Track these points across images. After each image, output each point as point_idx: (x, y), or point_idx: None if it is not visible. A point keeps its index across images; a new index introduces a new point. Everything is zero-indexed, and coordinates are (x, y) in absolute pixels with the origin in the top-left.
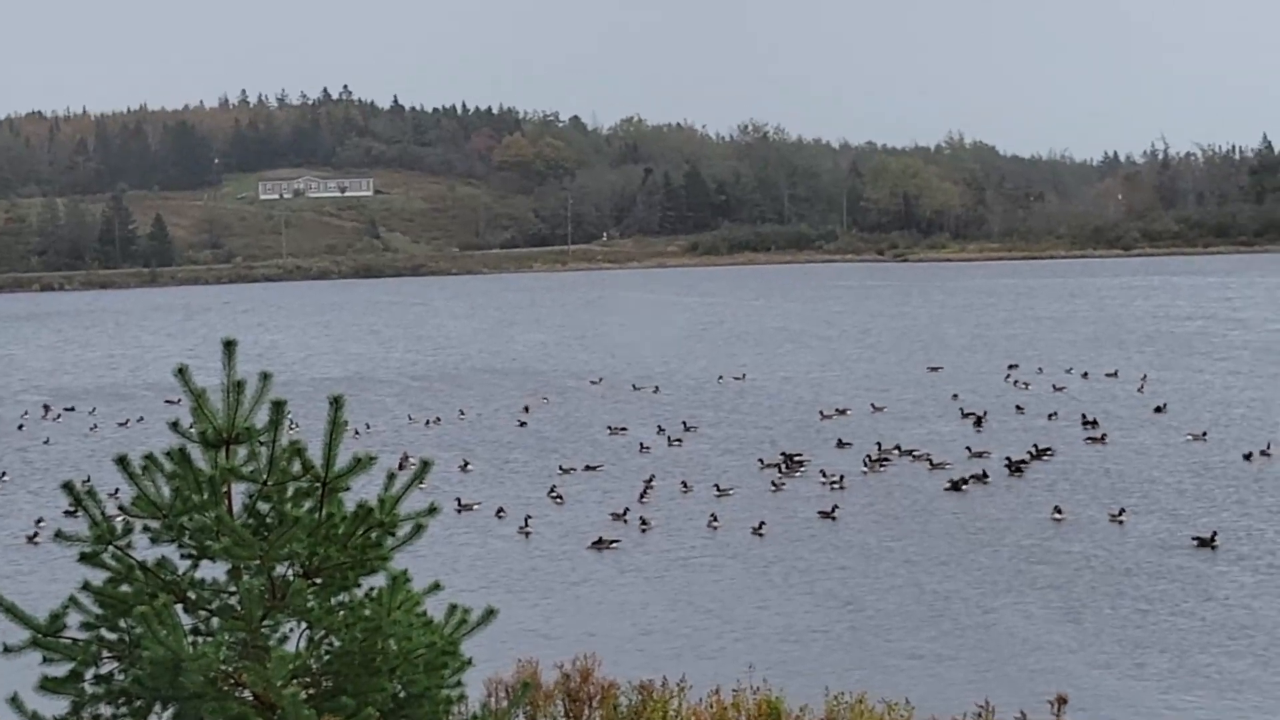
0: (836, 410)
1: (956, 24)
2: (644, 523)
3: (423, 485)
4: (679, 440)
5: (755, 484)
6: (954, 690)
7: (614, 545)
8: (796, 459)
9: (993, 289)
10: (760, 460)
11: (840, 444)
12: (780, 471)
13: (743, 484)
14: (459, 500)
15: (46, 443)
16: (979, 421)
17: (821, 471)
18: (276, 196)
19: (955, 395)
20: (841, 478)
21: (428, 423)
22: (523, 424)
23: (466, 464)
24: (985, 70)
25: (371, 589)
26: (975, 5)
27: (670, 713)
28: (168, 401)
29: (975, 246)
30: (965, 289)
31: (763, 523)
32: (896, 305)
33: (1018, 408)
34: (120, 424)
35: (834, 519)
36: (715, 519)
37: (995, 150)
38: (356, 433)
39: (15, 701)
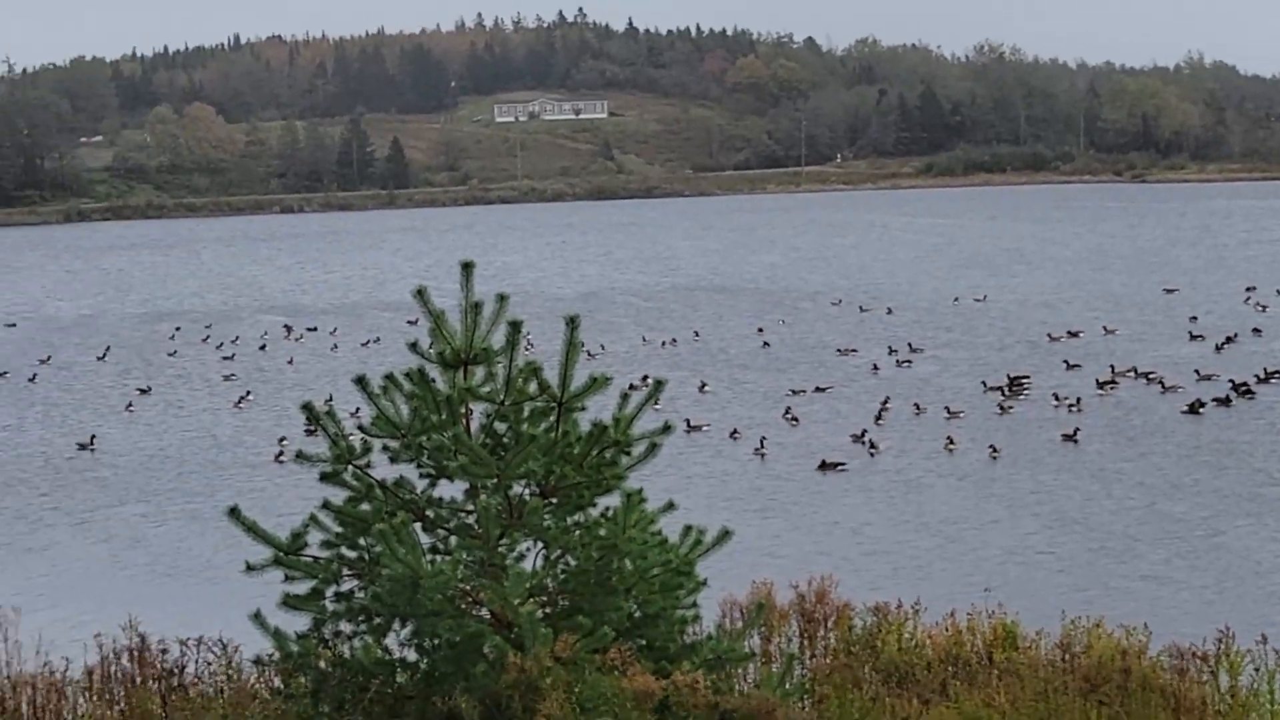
0: (1068, 332)
1: None
2: (872, 446)
3: (657, 405)
4: (908, 362)
5: (984, 407)
6: (1190, 616)
7: (841, 467)
8: (1021, 381)
9: (1231, 210)
10: (983, 383)
11: (1069, 366)
12: (1004, 394)
13: (971, 407)
14: (688, 421)
15: (290, 363)
16: (1224, 344)
17: (1054, 394)
18: (512, 119)
19: (1194, 318)
20: (1078, 400)
21: (663, 344)
22: (766, 345)
23: (704, 385)
24: None
25: (607, 509)
26: None
27: (905, 635)
28: (409, 322)
29: (1215, 167)
30: (1203, 210)
31: (992, 446)
32: (1133, 226)
33: (1255, 330)
34: (361, 344)
35: (1076, 442)
36: (952, 441)
37: (1235, 70)
38: (590, 354)
39: (258, 618)
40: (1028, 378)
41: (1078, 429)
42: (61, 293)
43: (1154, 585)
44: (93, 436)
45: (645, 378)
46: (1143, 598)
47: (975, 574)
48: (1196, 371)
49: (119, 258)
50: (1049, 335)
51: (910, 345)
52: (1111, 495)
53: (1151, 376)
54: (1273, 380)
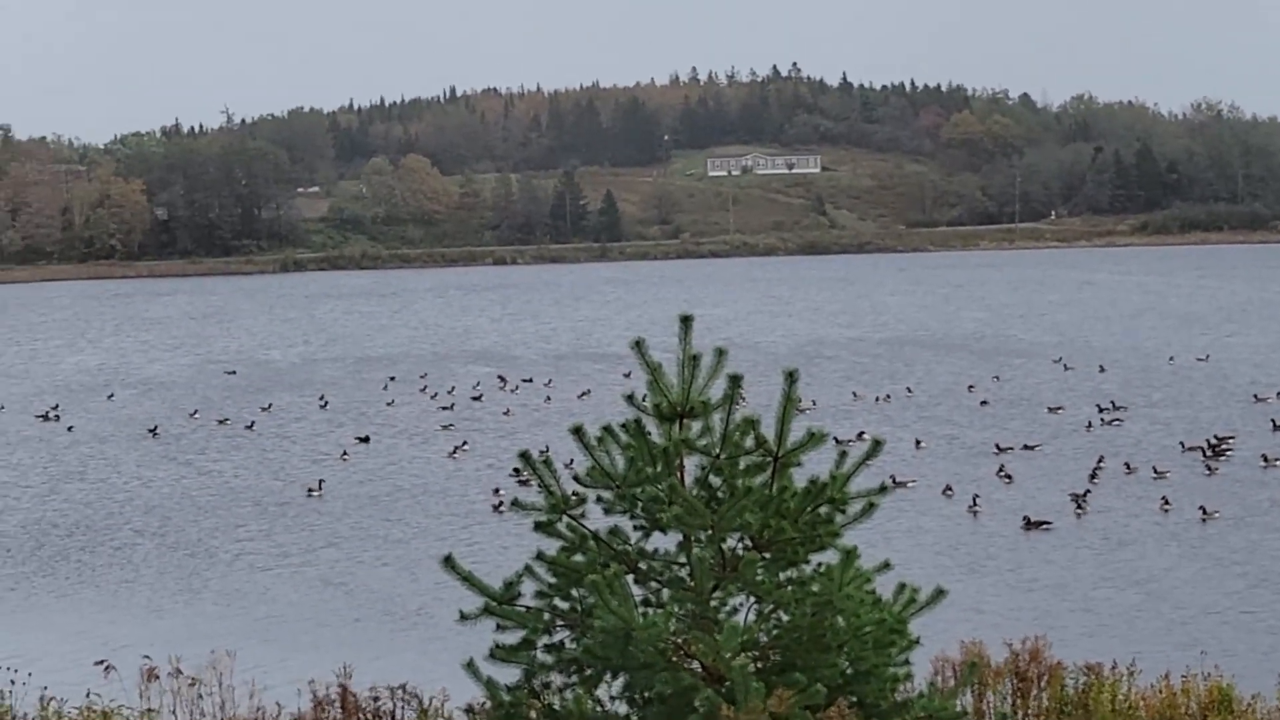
0: (1277, 394)
1: None
2: (1079, 504)
3: (872, 463)
4: (1117, 420)
5: (1192, 466)
6: None
7: (1046, 526)
8: (1226, 441)
9: None
10: (1181, 443)
11: (1276, 426)
12: (1205, 455)
13: (1178, 467)
14: (893, 477)
15: (505, 413)
16: None
17: (1264, 456)
18: (724, 173)
19: None
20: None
21: (876, 399)
22: (984, 403)
23: (919, 442)
24: None
25: (820, 564)
26: None
27: (1119, 696)
28: (624, 375)
29: None
30: None
31: (1202, 507)
32: None
33: None
34: (576, 396)
35: None
36: (1167, 502)
37: None
38: (801, 409)
39: (470, 667)
40: (1232, 438)
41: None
42: (277, 341)
43: None
44: (320, 481)
45: (861, 434)
46: None
47: (1190, 637)
48: None
49: (333, 307)
50: (1255, 396)
51: (1113, 403)
52: None
53: None
54: None
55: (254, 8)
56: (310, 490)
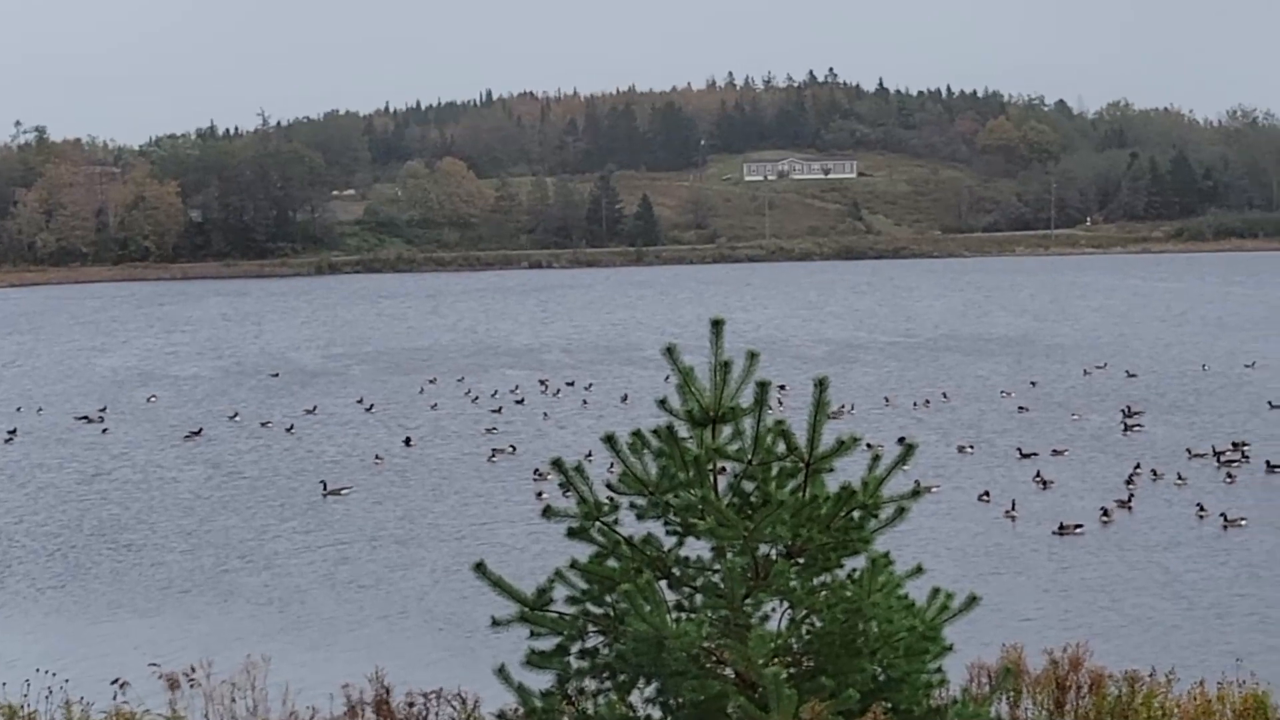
0: None
1: None
2: (1105, 513)
3: (906, 468)
4: (1139, 426)
5: (1213, 473)
6: None
7: (1078, 530)
8: (1237, 449)
9: None
10: (1188, 450)
11: None
12: (1218, 461)
13: (1197, 473)
14: (916, 482)
15: (545, 417)
16: None
17: (1266, 462)
18: (760, 178)
19: None
20: None
21: (914, 404)
22: (1022, 409)
23: (963, 448)
24: None
25: (853, 570)
26: None
27: (1153, 704)
28: (665, 379)
29: None
30: None
31: (1224, 514)
32: None
33: None
34: (618, 401)
35: None
36: (1203, 508)
37: None
38: (833, 415)
39: (503, 673)
40: (1246, 445)
41: None
42: (313, 343)
43: None
44: (325, 483)
45: (902, 439)
46: None
47: (1226, 644)
48: None
49: (368, 309)
50: (1269, 404)
51: (1129, 408)
52: None
53: None
54: None
55: (289, 11)
56: (329, 491)
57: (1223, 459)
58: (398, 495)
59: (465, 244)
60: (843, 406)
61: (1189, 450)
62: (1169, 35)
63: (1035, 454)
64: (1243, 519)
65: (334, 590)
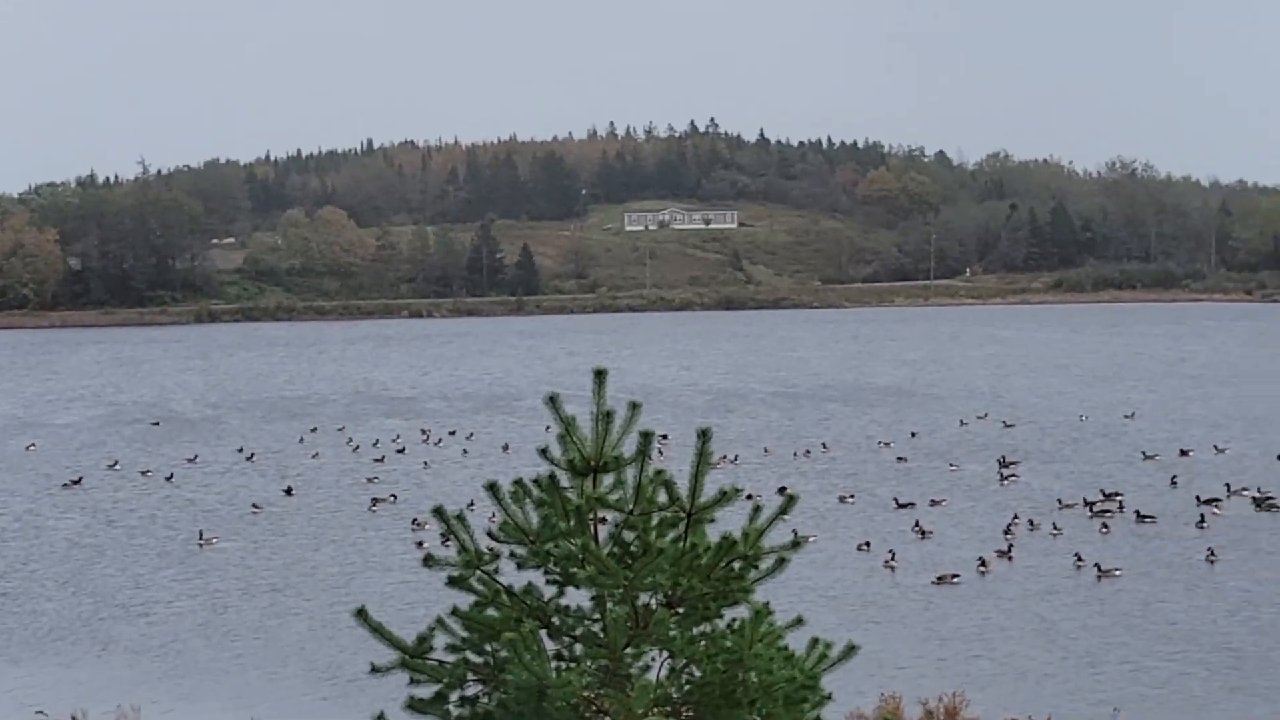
0: (1181, 451)
1: None
2: (982, 563)
3: (787, 518)
4: (1014, 476)
5: (1086, 524)
6: None
7: (955, 580)
8: (1114, 498)
9: None
10: (1058, 500)
11: (1173, 483)
12: (1091, 511)
13: (1071, 524)
14: (794, 532)
15: (426, 465)
16: None
17: (1136, 512)
18: (641, 228)
19: None
20: (1202, 518)
21: (795, 455)
22: (901, 459)
23: (843, 498)
24: None
25: (733, 620)
26: None
27: None
28: (546, 429)
29: None
30: None
31: (1097, 565)
32: (1264, 346)
33: None
34: (499, 449)
35: (1209, 560)
36: (1080, 558)
37: None
38: (719, 462)
39: None
40: (1119, 495)
41: (1210, 549)
42: (193, 391)
43: None
44: (201, 532)
45: (782, 489)
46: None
47: (1098, 691)
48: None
49: (249, 357)
50: (1143, 454)
51: (1005, 458)
52: (1237, 616)
53: (1261, 497)
54: None
55: (170, 59)
56: (202, 541)
57: (1095, 509)
58: (277, 544)
59: (345, 293)
60: (724, 456)
61: (1059, 501)
62: (1049, 87)
63: (912, 504)
64: (1117, 569)
65: (211, 639)
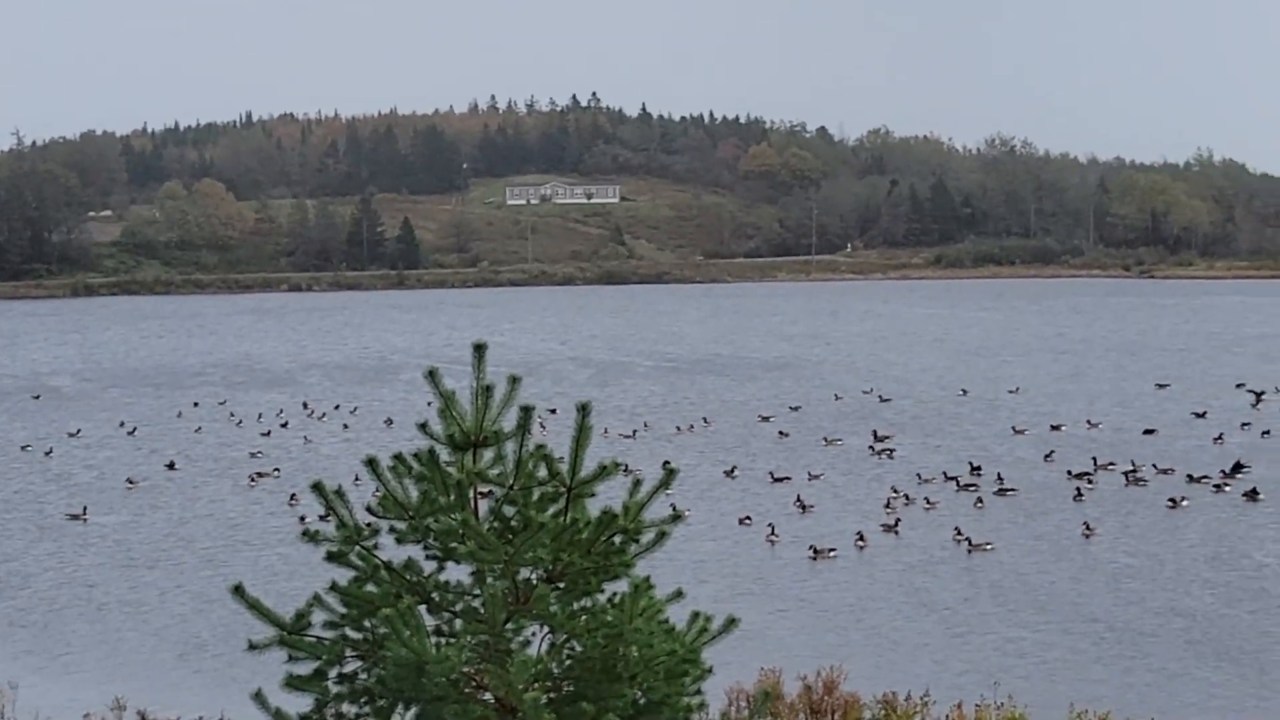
0: (1052, 426)
1: (1208, 41)
2: (860, 537)
3: (669, 492)
4: (889, 451)
5: (963, 498)
6: (1206, 713)
7: (831, 554)
8: (972, 472)
9: (1234, 306)
10: (944, 473)
11: (1047, 458)
12: (958, 485)
13: (946, 497)
14: (673, 506)
15: (306, 440)
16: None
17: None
18: (524, 202)
19: (1201, 414)
20: (1079, 492)
21: (678, 429)
22: (783, 434)
23: (727, 471)
24: (1236, 87)
25: (614, 595)
26: (1227, 22)
27: None
28: (428, 404)
29: (1223, 264)
30: (1211, 306)
31: (967, 537)
32: (1140, 321)
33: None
34: (382, 423)
35: (1089, 536)
36: (960, 532)
37: (1245, 168)
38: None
39: (259, 697)
40: (979, 469)
41: (1086, 523)
42: (70, 365)
43: (1167, 680)
44: (85, 507)
45: (666, 463)
46: (1159, 692)
47: (981, 665)
48: (1153, 465)
49: (127, 331)
50: (1013, 429)
51: (878, 433)
52: (1110, 588)
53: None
54: (1240, 474)
55: (45, 30)
56: (74, 516)
57: (960, 483)
58: (154, 519)
59: (224, 266)
60: (605, 430)
61: (919, 475)
62: (929, 64)
63: (788, 478)
64: (988, 543)
65: (87, 615)
